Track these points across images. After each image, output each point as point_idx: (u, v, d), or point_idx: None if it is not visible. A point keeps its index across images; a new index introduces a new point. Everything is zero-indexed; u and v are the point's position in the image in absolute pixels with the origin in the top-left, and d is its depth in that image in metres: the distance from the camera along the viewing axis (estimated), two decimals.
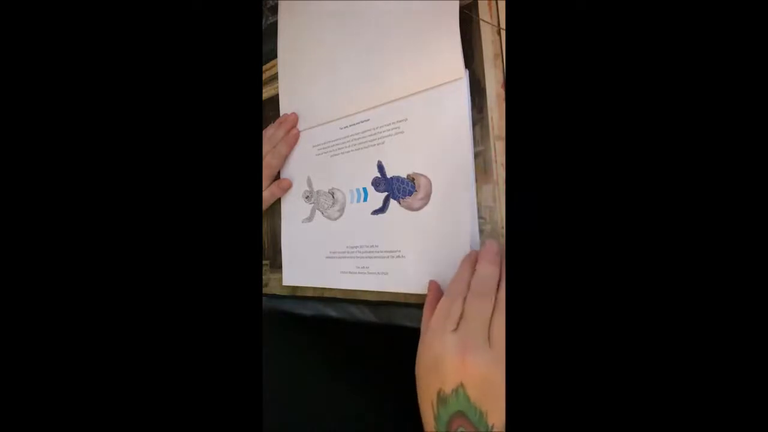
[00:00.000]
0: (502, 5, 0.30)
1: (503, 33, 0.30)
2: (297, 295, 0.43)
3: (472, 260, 0.28)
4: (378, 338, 0.43)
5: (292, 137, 0.44)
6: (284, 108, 0.46)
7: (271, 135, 0.44)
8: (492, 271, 0.26)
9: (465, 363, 0.23)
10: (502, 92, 0.30)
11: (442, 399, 0.24)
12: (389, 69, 0.36)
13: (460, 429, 0.23)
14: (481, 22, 0.31)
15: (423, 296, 0.32)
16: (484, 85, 0.31)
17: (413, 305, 0.34)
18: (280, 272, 0.45)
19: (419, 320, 0.34)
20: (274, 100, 0.47)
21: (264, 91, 0.49)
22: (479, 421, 0.23)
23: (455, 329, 0.25)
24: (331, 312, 0.41)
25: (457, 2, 0.32)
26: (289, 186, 0.44)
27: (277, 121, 0.45)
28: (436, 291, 0.31)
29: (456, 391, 0.23)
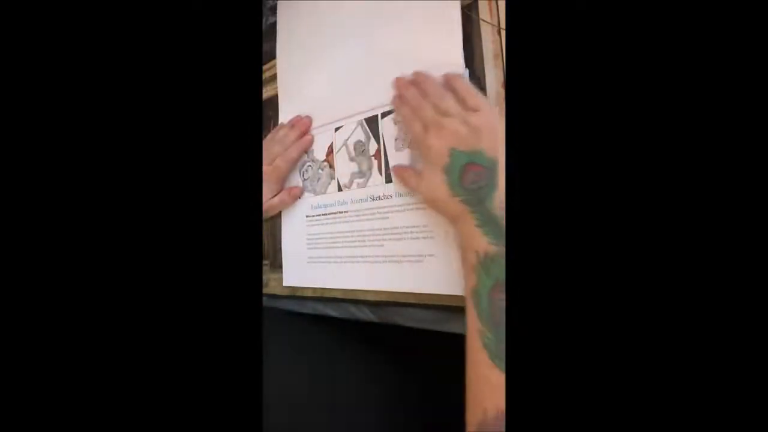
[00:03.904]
0: (502, 5, 0.30)
1: (503, 33, 0.30)
2: (297, 295, 0.43)
3: (403, 85, 0.34)
4: (378, 338, 0.43)
5: (305, 142, 0.43)
6: (283, 108, 0.46)
7: (282, 137, 0.43)
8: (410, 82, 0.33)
9: (444, 137, 0.29)
10: (502, 92, 0.30)
11: (447, 169, 0.29)
12: (389, 68, 0.36)
13: (471, 172, 0.28)
14: (481, 22, 0.31)
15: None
16: (484, 85, 0.31)
17: (413, 305, 0.34)
18: (280, 272, 0.45)
19: (419, 320, 0.34)
20: (274, 100, 0.47)
21: (264, 91, 0.49)
22: (484, 161, 0.28)
23: (427, 131, 0.30)
24: (331, 312, 0.41)
25: (459, 2, 0.32)
26: (299, 194, 0.43)
27: (290, 122, 0.44)
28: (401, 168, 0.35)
29: (452, 154, 0.29)
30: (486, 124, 0.29)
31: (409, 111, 0.33)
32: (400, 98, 0.34)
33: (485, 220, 0.27)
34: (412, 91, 0.33)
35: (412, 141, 0.35)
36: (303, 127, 0.43)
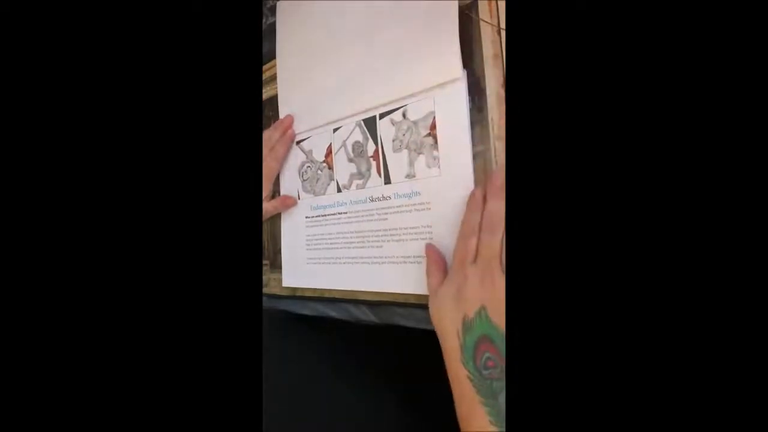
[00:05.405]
0: (502, 5, 0.30)
1: (503, 33, 0.30)
2: (297, 295, 0.43)
3: (479, 198, 0.29)
4: (378, 338, 0.43)
5: (287, 138, 0.44)
6: (283, 109, 0.46)
7: (267, 138, 0.45)
8: (499, 206, 0.27)
9: (484, 287, 0.26)
10: (502, 92, 0.30)
11: (466, 325, 0.26)
12: (387, 69, 0.36)
13: (486, 354, 0.25)
14: (481, 22, 0.31)
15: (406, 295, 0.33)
16: (484, 85, 0.31)
17: (413, 305, 0.34)
18: (280, 272, 0.45)
19: (419, 320, 0.34)
20: (274, 100, 0.47)
21: (264, 91, 0.49)
22: (503, 344, 0.24)
23: (473, 262, 0.27)
24: (331, 312, 0.41)
25: (456, 2, 0.32)
26: (294, 204, 0.44)
27: (274, 124, 0.45)
28: (435, 251, 0.32)
29: (479, 313, 0.25)
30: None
31: (475, 220, 0.28)
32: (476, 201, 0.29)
33: (498, 417, 0.24)
34: (498, 206, 0.27)
35: (457, 247, 0.29)
36: (285, 125, 0.44)
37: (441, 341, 0.28)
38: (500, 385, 0.24)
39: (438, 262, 0.31)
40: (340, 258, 0.39)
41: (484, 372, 0.25)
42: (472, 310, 0.26)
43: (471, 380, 0.25)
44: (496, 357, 0.24)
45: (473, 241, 0.28)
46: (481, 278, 0.26)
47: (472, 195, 0.30)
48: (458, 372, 0.26)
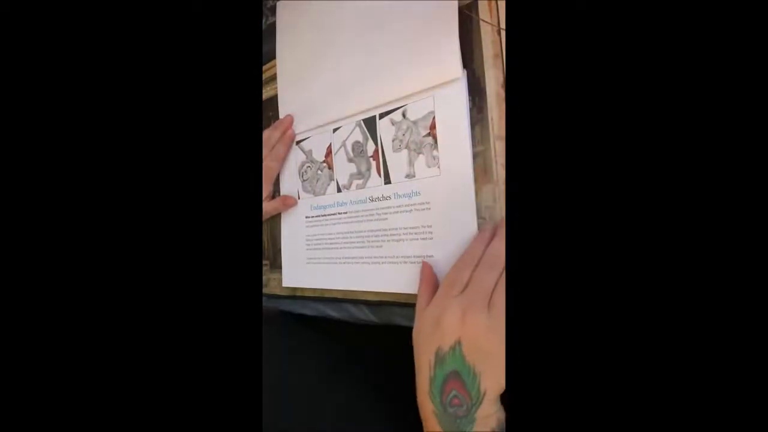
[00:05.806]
0: (502, 5, 0.30)
1: (503, 33, 0.30)
2: (297, 295, 0.43)
3: (487, 236, 0.28)
4: (378, 338, 0.43)
5: (288, 138, 0.44)
6: (282, 109, 0.46)
7: (267, 138, 0.44)
8: (503, 247, 0.26)
9: (464, 322, 0.25)
10: (502, 92, 0.30)
11: (439, 358, 0.25)
12: (387, 69, 0.36)
13: (453, 392, 0.24)
14: (481, 22, 0.31)
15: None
16: (484, 85, 0.31)
17: (413, 305, 0.34)
18: (280, 272, 0.45)
19: None
20: (274, 100, 0.47)
21: (264, 91, 0.49)
22: (472, 384, 0.23)
23: (460, 293, 0.26)
24: (331, 312, 0.41)
25: (456, 2, 0.32)
26: (294, 204, 0.44)
27: (274, 124, 0.45)
28: (429, 270, 0.31)
29: (453, 348, 0.24)
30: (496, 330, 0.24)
31: (471, 261, 0.27)
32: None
33: None
34: (498, 248, 0.27)
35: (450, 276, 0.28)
36: (285, 125, 0.44)
37: (415, 368, 0.27)
38: (465, 422, 0.23)
39: (428, 281, 0.30)
40: (340, 258, 0.39)
41: (450, 409, 0.24)
42: (447, 344, 0.25)
43: (436, 415, 0.25)
44: (462, 396, 0.24)
45: (466, 273, 0.27)
46: (464, 311, 0.25)
47: (482, 230, 0.29)
48: (425, 404, 0.26)
